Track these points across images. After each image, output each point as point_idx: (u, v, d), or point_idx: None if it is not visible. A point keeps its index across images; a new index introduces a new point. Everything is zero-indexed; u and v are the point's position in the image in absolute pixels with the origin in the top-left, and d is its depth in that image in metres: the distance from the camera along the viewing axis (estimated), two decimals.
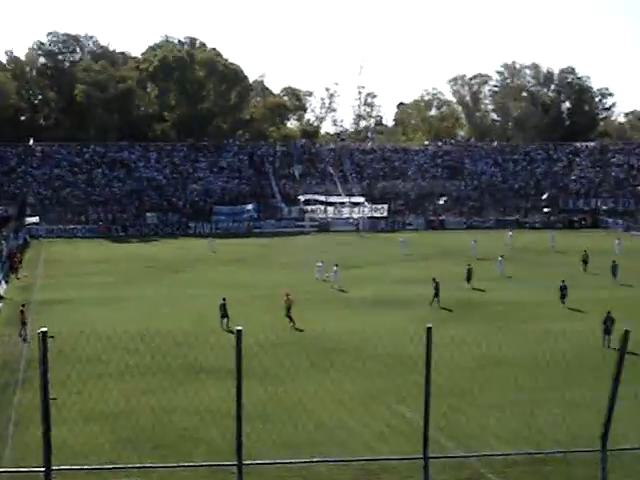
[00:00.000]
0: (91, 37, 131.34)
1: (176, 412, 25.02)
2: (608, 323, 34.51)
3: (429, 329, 10.26)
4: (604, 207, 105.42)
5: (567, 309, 43.70)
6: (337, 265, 53.25)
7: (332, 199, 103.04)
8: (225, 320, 38.68)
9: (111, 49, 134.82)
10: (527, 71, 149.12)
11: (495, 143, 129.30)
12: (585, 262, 59.57)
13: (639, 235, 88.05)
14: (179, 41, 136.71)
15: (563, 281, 45.85)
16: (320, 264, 55.49)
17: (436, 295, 45.07)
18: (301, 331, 37.65)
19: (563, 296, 45.14)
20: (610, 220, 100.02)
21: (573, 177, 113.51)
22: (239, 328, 9.59)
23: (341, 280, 52.35)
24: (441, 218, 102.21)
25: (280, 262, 67.38)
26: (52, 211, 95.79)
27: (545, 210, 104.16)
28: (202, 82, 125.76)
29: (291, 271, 60.72)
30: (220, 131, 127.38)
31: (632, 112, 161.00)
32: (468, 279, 52.05)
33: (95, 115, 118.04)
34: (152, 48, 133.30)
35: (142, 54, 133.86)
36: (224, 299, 39.55)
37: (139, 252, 76.60)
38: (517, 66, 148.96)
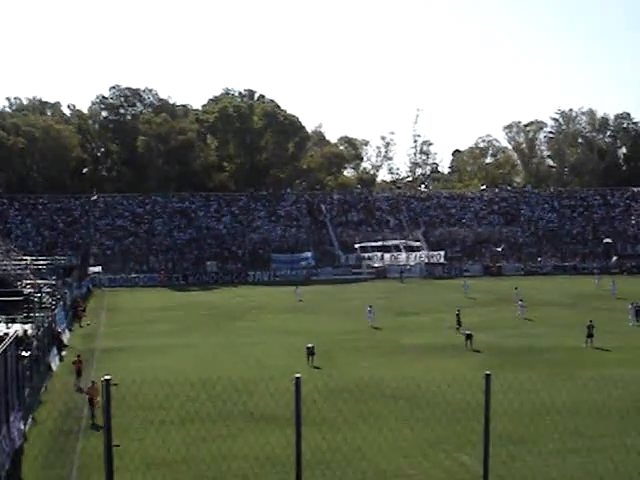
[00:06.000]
0: (151, 90, 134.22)
1: (236, 459, 25.09)
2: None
3: (488, 376, 10.18)
4: None
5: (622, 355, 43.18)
6: (371, 306, 56.88)
7: (389, 245, 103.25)
8: (311, 358, 41.15)
9: (171, 102, 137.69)
10: (582, 117, 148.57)
11: (552, 189, 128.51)
12: None
13: None
14: (239, 93, 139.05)
15: (590, 321, 47.03)
16: (369, 309, 56.44)
17: (468, 338, 46.42)
18: (358, 378, 37.72)
19: (590, 335, 46.04)
20: None
21: (632, 222, 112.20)
22: (298, 376, 9.80)
23: (377, 320, 55.53)
24: (498, 265, 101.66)
25: (337, 309, 67.72)
26: (114, 260, 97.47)
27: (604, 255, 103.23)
28: (261, 133, 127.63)
29: (347, 318, 61.07)
30: (278, 181, 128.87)
31: None
32: (459, 324, 52.84)
33: (156, 166, 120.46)
34: (212, 100, 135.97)
35: (202, 106, 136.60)
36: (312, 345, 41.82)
37: (199, 300, 77.45)
38: (572, 112, 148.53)
